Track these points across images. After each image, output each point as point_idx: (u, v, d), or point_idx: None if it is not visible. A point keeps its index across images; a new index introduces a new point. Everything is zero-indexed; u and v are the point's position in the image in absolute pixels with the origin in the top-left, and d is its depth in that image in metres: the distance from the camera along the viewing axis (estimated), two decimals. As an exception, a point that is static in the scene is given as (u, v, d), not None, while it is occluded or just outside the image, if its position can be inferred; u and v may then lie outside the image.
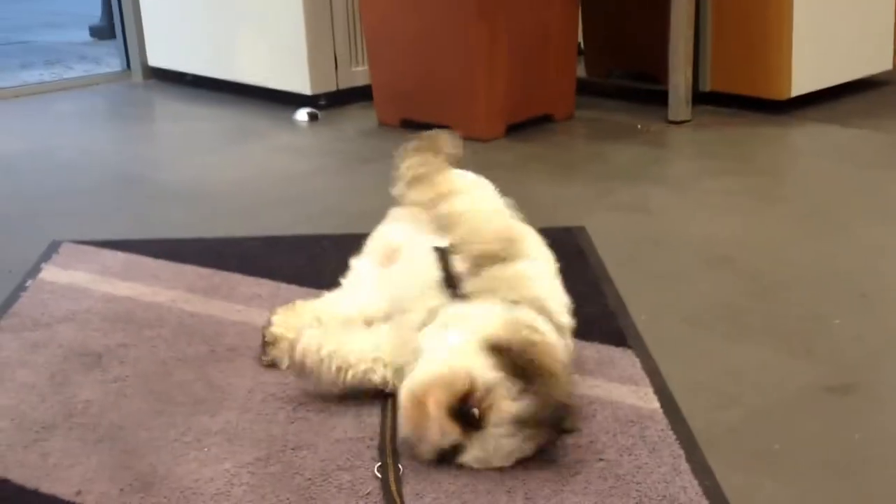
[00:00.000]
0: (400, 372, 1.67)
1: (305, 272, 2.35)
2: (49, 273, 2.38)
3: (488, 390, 1.52)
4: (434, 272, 1.75)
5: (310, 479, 1.55)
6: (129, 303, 2.21)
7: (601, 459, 1.59)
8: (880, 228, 2.70)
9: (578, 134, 3.78)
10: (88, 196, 3.07)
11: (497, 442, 1.53)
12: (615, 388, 1.81)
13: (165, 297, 2.25)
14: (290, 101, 4.05)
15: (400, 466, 1.57)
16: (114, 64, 4.90)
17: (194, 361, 1.94)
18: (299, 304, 1.95)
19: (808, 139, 3.69)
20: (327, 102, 4.08)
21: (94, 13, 5.97)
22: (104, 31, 5.59)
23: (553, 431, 1.55)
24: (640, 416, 1.71)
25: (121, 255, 2.49)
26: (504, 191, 3.12)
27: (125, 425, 1.71)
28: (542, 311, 1.70)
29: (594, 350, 1.97)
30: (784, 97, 3.82)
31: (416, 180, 1.91)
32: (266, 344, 1.89)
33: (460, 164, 2.06)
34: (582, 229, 2.67)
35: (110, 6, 5.45)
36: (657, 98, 3.88)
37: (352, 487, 1.53)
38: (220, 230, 2.71)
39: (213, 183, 3.21)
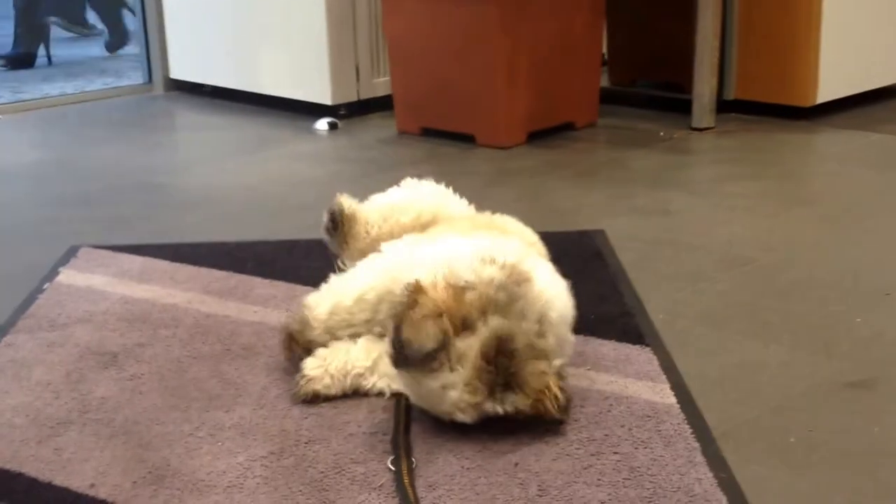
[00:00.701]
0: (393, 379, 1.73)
1: (321, 275, 2.33)
2: (66, 276, 2.39)
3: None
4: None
5: (323, 471, 1.54)
6: (146, 304, 2.22)
7: (616, 452, 1.57)
8: (903, 229, 2.67)
9: (600, 141, 3.77)
10: (108, 203, 3.09)
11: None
12: (631, 384, 1.80)
13: (182, 298, 2.25)
14: (311, 111, 4.07)
15: (413, 459, 1.56)
16: (135, 77, 4.95)
17: (209, 359, 1.95)
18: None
19: (831, 145, 3.66)
20: (347, 112, 4.10)
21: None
22: (19, 59, 5.55)
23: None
24: (656, 411, 1.70)
25: (138, 259, 2.50)
26: (523, 196, 3.14)
27: (139, 420, 1.72)
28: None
29: (611, 348, 1.95)
30: (809, 104, 3.80)
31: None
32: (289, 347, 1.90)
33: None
34: (601, 232, 2.65)
35: (23, 34, 5.57)
36: (681, 106, 3.87)
37: (365, 480, 1.52)
38: (237, 234, 2.72)
39: (232, 189, 3.23)
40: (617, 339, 1.99)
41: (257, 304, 2.21)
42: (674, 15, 4.08)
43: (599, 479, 1.50)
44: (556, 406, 1.59)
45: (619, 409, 1.71)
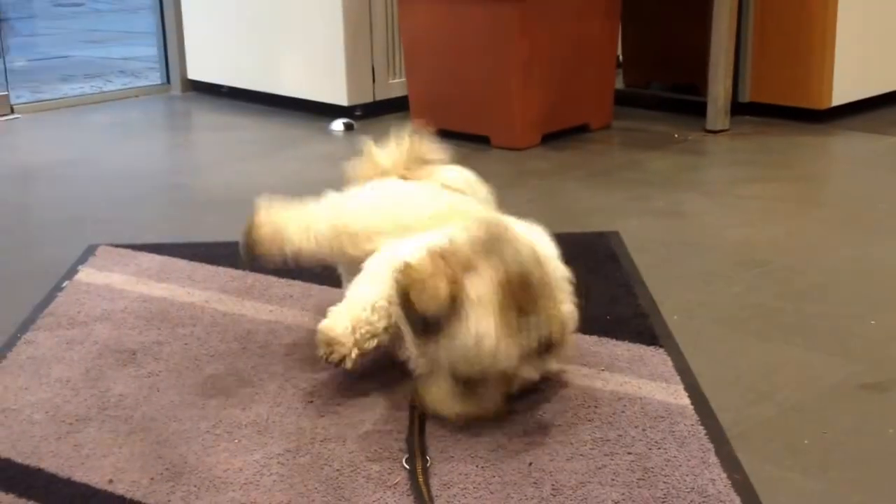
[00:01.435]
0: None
1: (338, 274, 2.36)
2: (85, 275, 2.42)
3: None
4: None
5: (338, 469, 1.56)
6: (164, 303, 2.24)
7: (630, 453, 1.58)
8: (919, 232, 2.66)
9: (614, 143, 3.78)
10: (126, 202, 3.12)
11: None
12: (645, 385, 1.80)
13: (199, 297, 2.27)
14: (327, 112, 4.09)
15: (428, 458, 1.57)
16: (153, 78, 4.98)
17: (226, 357, 1.96)
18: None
19: (846, 147, 3.66)
20: (363, 113, 4.11)
21: (132, 30, 6.08)
22: None
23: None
24: (670, 412, 1.70)
25: (156, 258, 2.52)
26: (538, 197, 3.14)
27: (157, 417, 1.73)
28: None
29: (625, 348, 1.96)
30: (824, 107, 3.80)
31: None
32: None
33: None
34: (615, 234, 2.66)
35: None
36: (695, 108, 3.87)
37: (380, 478, 1.53)
38: (254, 234, 2.73)
39: (248, 189, 3.22)
40: (631, 339, 1.99)
41: (273, 304, 2.23)
42: (688, 17, 4.08)
43: (613, 480, 1.51)
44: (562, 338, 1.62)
45: (633, 409, 1.72)
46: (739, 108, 3.88)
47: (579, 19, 3.70)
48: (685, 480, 1.50)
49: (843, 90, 3.81)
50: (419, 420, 1.68)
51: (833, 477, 1.53)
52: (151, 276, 2.40)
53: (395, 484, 1.52)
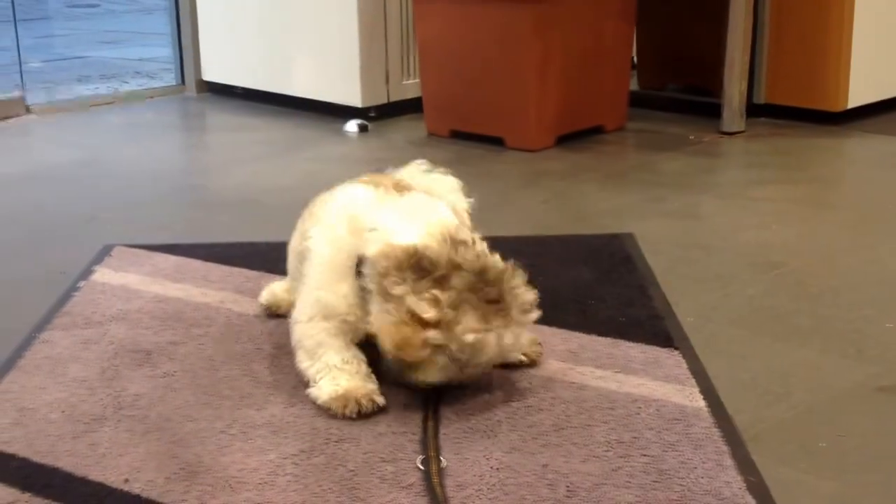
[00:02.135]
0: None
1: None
2: (101, 275, 2.43)
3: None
4: None
5: (353, 470, 1.56)
6: (179, 303, 2.25)
7: (645, 455, 1.58)
8: (936, 235, 2.65)
9: (629, 144, 3.77)
10: (142, 203, 3.13)
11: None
12: (660, 387, 1.80)
13: (214, 297, 2.28)
14: (341, 113, 4.09)
15: (442, 459, 1.57)
16: (168, 79, 5.00)
17: (241, 358, 1.97)
18: None
19: (862, 149, 3.64)
20: (377, 114, 4.12)
21: (147, 31, 6.10)
22: None
23: None
24: (685, 414, 1.70)
25: (171, 258, 2.53)
26: (552, 199, 3.14)
27: (173, 417, 1.74)
28: None
29: (640, 350, 1.96)
30: (840, 109, 3.78)
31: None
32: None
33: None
34: (630, 236, 2.65)
35: None
36: (710, 110, 3.86)
37: (395, 478, 1.53)
38: (269, 235, 2.74)
39: (262, 190, 3.26)
40: (646, 341, 1.99)
41: (288, 304, 2.23)
42: (703, 19, 4.07)
43: (628, 482, 1.50)
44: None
45: (648, 411, 1.71)
46: (755, 110, 3.87)
47: (594, 21, 3.70)
48: (700, 483, 1.49)
49: (859, 92, 3.79)
50: (434, 421, 1.68)
51: (849, 479, 1.52)
52: (167, 277, 2.41)
53: (410, 485, 1.52)
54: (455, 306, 1.64)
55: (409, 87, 4.15)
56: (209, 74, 4.71)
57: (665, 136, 3.81)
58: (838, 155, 3.64)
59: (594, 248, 2.57)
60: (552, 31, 3.56)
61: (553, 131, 3.67)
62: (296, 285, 1.97)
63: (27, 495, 1.51)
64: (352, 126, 4.01)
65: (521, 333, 1.71)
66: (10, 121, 4.27)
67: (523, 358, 1.86)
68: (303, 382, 1.82)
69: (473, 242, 1.72)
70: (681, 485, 1.49)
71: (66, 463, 1.60)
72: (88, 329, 2.11)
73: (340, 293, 1.77)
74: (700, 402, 1.74)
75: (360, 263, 1.74)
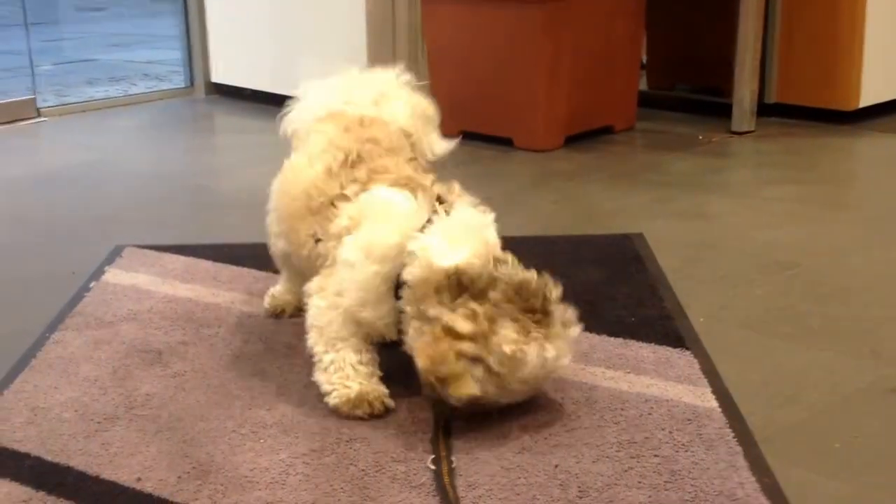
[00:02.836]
0: None
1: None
2: (112, 275, 2.43)
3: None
4: None
5: (364, 469, 1.56)
6: (189, 303, 2.25)
7: (656, 455, 1.57)
8: (948, 235, 2.64)
9: (638, 145, 3.77)
10: (152, 204, 3.14)
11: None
12: (672, 388, 1.79)
13: (224, 298, 2.28)
14: (350, 114, 4.09)
15: (453, 459, 1.57)
16: (176, 81, 5.01)
17: (251, 358, 1.97)
18: None
19: (874, 149, 3.63)
20: (386, 115, 4.12)
21: (156, 33, 6.11)
22: None
23: None
24: (697, 415, 1.69)
25: (181, 259, 2.53)
26: (562, 199, 3.14)
27: (184, 417, 1.74)
28: None
29: (651, 350, 1.95)
30: (852, 108, 3.77)
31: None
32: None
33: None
34: (640, 236, 2.65)
35: None
36: (720, 110, 3.85)
37: (405, 478, 1.53)
38: (278, 236, 2.74)
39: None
40: (657, 342, 1.98)
41: (298, 305, 2.23)
42: (713, 18, 4.06)
43: (640, 482, 1.50)
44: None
45: (660, 412, 1.71)
46: (765, 110, 3.86)
47: (603, 21, 3.69)
48: (713, 484, 1.49)
49: (872, 91, 3.77)
50: (444, 421, 1.68)
51: (863, 481, 1.51)
52: (177, 277, 2.41)
53: (421, 484, 1.51)
54: (492, 318, 1.59)
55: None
56: (218, 76, 4.72)
57: (674, 136, 3.80)
58: (850, 154, 3.63)
59: (604, 248, 2.57)
60: (561, 32, 3.56)
61: (562, 131, 3.67)
62: (300, 280, 1.97)
63: (41, 494, 1.52)
64: (361, 127, 4.01)
65: (563, 348, 1.65)
66: (22, 123, 4.29)
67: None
68: (314, 384, 1.82)
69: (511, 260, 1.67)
70: (693, 485, 1.49)
71: (78, 462, 1.60)
72: (100, 329, 2.11)
73: (378, 315, 1.71)
74: (712, 403, 1.73)
75: (399, 286, 1.68)
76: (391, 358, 1.78)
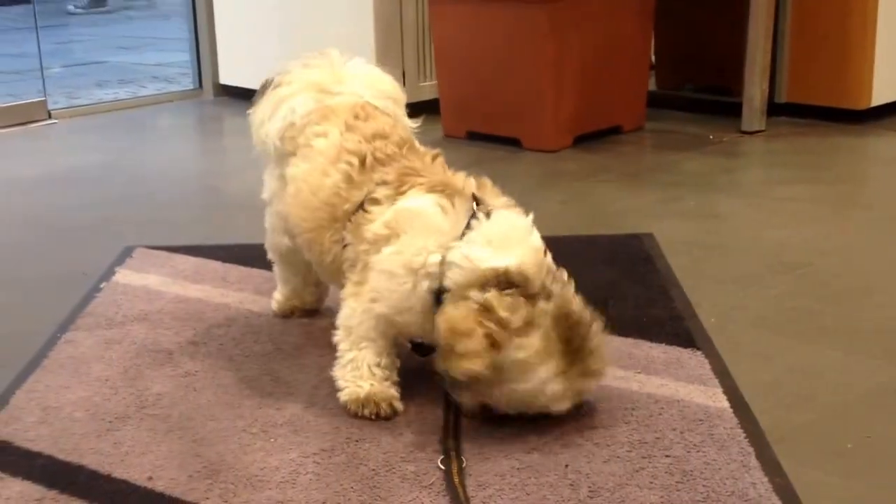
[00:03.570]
0: None
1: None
2: (123, 276, 2.44)
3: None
4: None
5: (374, 469, 1.56)
6: (199, 304, 2.25)
7: (668, 455, 1.56)
8: (960, 234, 2.62)
9: (647, 144, 3.76)
10: (161, 205, 3.14)
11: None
12: (682, 388, 1.79)
13: (234, 298, 2.28)
14: (359, 115, 4.09)
15: (463, 458, 1.57)
16: (185, 83, 5.02)
17: (261, 358, 1.97)
18: None
19: (886, 148, 3.61)
20: (395, 116, 4.12)
21: (165, 36, 6.12)
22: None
23: None
24: (709, 415, 1.69)
25: (191, 260, 2.54)
26: (570, 199, 3.13)
27: (194, 417, 1.74)
28: None
29: (661, 351, 1.94)
30: (863, 107, 3.75)
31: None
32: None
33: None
34: (649, 236, 2.64)
35: None
36: (730, 109, 3.84)
37: (416, 478, 1.53)
38: (288, 236, 2.74)
39: (283, 192, 3.26)
40: (667, 342, 1.98)
41: (308, 305, 2.23)
42: (722, 18, 4.05)
43: (651, 482, 1.49)
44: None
45: (671, 412, 1.70)
46: (776, 109, 3.84)
47: (611, 20, 3.69)
48: (725, 484, 1.48)
49: (883, 90, 3.76)
50: (454, 421, 1.67)
51: (876, 482, 1.51)
52: (187, 278, 2.41)
53: (431, 484, 1.51)
54: (530, 323, 1.57)
55: (426, 89, 4.15)
56: (226, 78, 4.73)
57: (684, 135, 3.79)
58: (862, 154, 3.62)
59: (614, 248, 2.56)
60: (569, 31, 3.56)
61: (570, 132, 3.66)
62: (300, 281, 2.06)
63: (53, 492, 1.52)
64: (370, 128, 4.00)
65: (569, 394, 1.62)
66: (33, 125, 4.30)
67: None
68: (323, 384, 1.82)
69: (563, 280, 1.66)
70: (705, 486, 1.48)
71: (90, 461, 1.61)
72: (111, 329, 2.12)
73: (414, 320, 1.69)
74: (723, 403, 1.72)
75: (440, 293, 1.65)
76: (406, 359, 1.79)
